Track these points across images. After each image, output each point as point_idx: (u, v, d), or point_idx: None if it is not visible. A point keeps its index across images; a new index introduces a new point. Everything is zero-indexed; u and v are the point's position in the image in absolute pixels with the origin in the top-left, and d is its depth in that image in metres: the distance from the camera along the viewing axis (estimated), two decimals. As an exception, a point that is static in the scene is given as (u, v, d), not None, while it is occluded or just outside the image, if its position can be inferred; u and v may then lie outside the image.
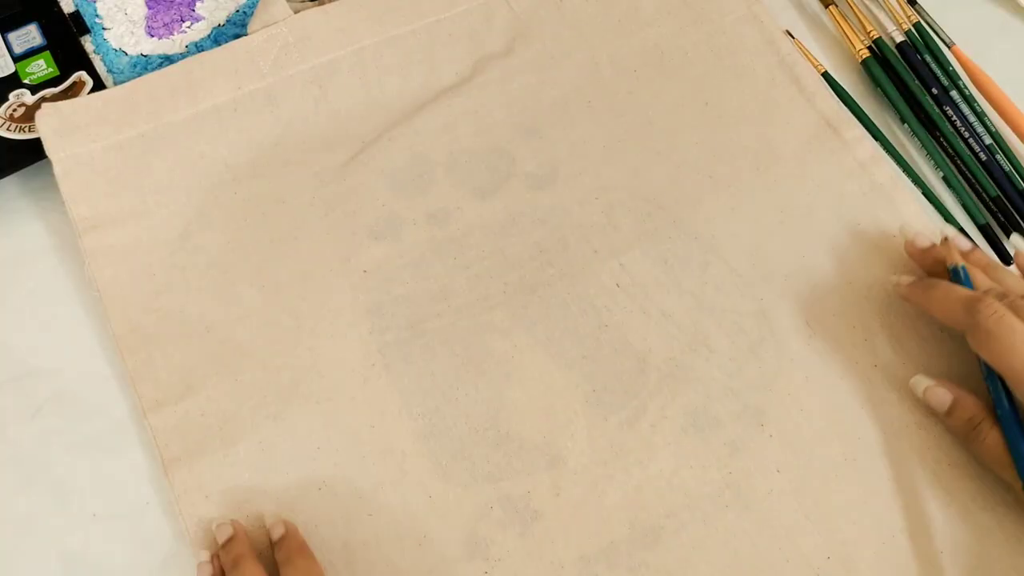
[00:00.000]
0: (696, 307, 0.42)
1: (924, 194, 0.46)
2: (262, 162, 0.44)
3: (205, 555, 0.37)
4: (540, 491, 0.39)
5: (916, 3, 0.51)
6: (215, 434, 0.39)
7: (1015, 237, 0.44)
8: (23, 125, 0.45)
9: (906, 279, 0.41)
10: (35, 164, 0.44)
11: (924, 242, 0.42)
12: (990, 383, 0.37)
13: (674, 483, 0.39)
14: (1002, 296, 0.37)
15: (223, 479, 0.38)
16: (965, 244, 0.41)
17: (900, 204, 0.44)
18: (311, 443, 0.39)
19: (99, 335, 0.42)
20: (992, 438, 0.37)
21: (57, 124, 0.43)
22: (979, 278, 0.39)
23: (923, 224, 0.44)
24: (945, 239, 0.41)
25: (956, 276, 0.39)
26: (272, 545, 0.37)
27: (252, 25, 0.46)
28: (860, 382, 0.41)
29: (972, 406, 0.38)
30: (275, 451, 0.39)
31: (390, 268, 0.43)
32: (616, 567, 0.37)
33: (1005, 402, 0.37)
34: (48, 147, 0.43)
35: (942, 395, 0.39)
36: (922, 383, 0.40)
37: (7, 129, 0.45)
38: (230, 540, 0.37)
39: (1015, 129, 0.48)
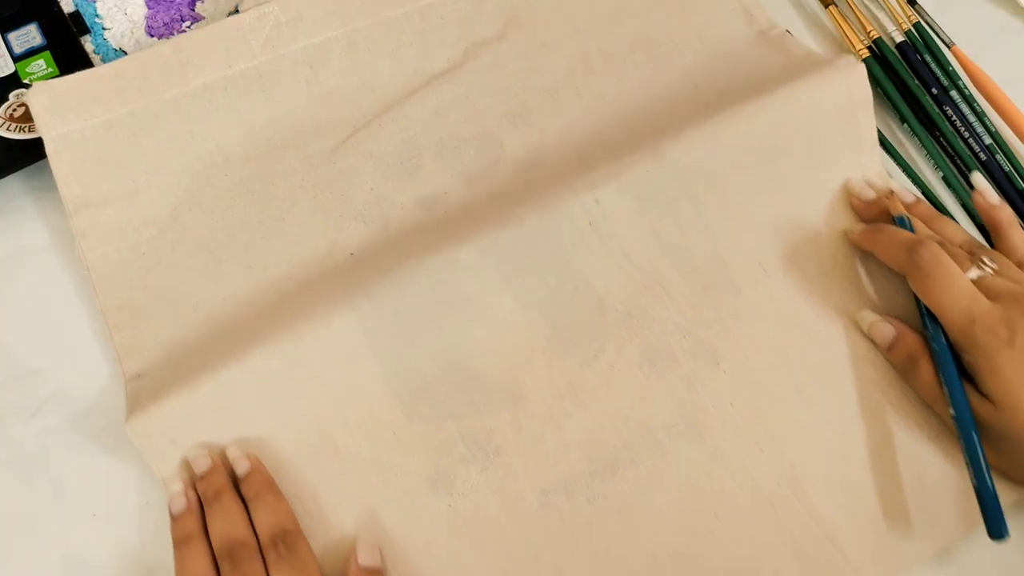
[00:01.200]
0: (656, 246, 0.42)
1: (924, 194, 0.46)
2: (252, 143, 0.44)
3: (179, 485, 0.36)
4: (502, 428, 0.39)
5: (916, 3, 0.51)
6: (179, 380, 0.38)
7: (975, 175, 0.44)
8: (23, 125, 0.45)
9: (859, 227, 0.43)
10: (36, 164, 0.44)
11: (869, 195, 0.43)
12: (927, 321, 0.39)
13: (630, 418, 0.40)
14: (940, 244, 0.39)
15: (188, 421, 0.37)
16: (909, 197, 0.43)
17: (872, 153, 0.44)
18: (275, 384, 0.38)
19: (99, 334, 0.42)
20: (927, 373, 0.38)
21: (48, 102, 0.43)
22: (920, 228, 0.41)
23: (877, 173, 0.44)
24: (890, 192, 0.43)
25: (901, 225, 0.41)
26: (237, 480, 0.37)
27: (244, 3, 0.46)
28: (812, 318, 0.42)
29: (912, 342, 0.39)
30: (239, 392, 0.38)
31: (376, 251, 0.42)
32: (575, 498, 0.38)
33: (941, 339, 0.38)
34: (39, 124, 0.43)
35: (885, 330, 0.40)
36: (867, 318, 0.41)
37: (7, 129, 0.45)
38: (210, 471, 0.36)
39: (1015, 129, 0.48)
